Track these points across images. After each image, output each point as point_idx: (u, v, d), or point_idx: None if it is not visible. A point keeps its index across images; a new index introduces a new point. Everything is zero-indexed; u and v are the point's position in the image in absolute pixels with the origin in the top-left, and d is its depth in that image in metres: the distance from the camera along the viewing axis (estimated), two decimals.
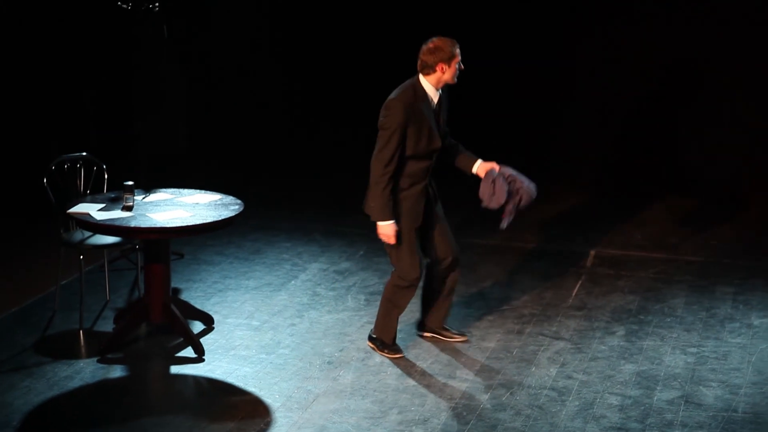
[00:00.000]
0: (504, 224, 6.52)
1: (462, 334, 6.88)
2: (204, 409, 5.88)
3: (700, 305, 7.45)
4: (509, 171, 6.47)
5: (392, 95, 6.33)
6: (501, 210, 6.48)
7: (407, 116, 6.24)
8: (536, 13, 10.52)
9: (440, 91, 6.39)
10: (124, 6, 7.83)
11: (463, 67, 6.36)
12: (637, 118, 10.50)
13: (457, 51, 6.28)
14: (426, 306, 6.86)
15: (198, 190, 7.03)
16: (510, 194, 6.43)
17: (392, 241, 6.37)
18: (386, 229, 6.34)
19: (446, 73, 6.30)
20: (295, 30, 11.05)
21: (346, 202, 9.69)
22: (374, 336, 6.71)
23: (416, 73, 6.36)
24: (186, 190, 7.03)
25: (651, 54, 10.31)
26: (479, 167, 6.53)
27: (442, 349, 6.66)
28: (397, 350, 6.65)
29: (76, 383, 6.17)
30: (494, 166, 6.49)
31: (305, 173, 10.62)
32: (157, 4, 7.84)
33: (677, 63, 10.34)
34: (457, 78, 6.35)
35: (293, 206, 9.75)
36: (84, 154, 7.32)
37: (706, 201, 9.89)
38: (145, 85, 8.22)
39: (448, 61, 6.26)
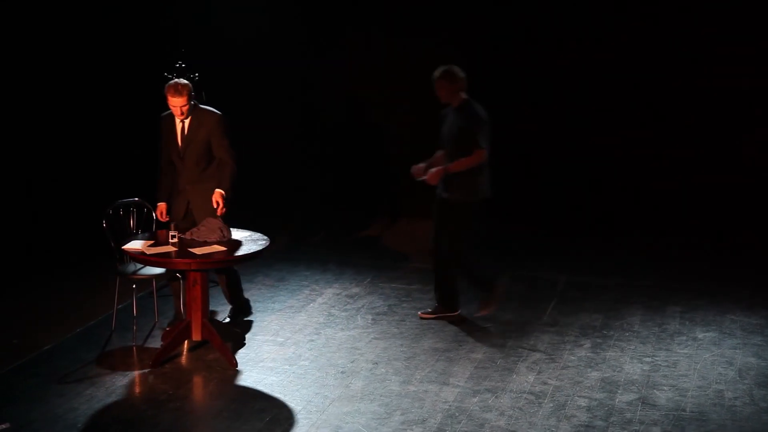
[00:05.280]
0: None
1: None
2: (237, 412, 5.86)
3: (653, 322, 7.43)
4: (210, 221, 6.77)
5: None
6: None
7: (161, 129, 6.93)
8: None
9: (186, 119, 6.81)
10: (170, 76, 7.90)
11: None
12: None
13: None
14: None
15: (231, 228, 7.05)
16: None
17: None
18: None
19: None
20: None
21: (357, 237, 9.71)
22: None
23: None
24: None
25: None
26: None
27: (437, 360, 6.65)
28: None
29: (130, 391, 6.17)
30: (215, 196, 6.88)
31: (321, 213, 10.63)
32: (197, 74, 7.92)
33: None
34: (181, 115, 6.74)
35: (311, 241, 9.77)
36: (136, 199, 7.34)
37: (656, 235, 9.85)
38: None
39: None
